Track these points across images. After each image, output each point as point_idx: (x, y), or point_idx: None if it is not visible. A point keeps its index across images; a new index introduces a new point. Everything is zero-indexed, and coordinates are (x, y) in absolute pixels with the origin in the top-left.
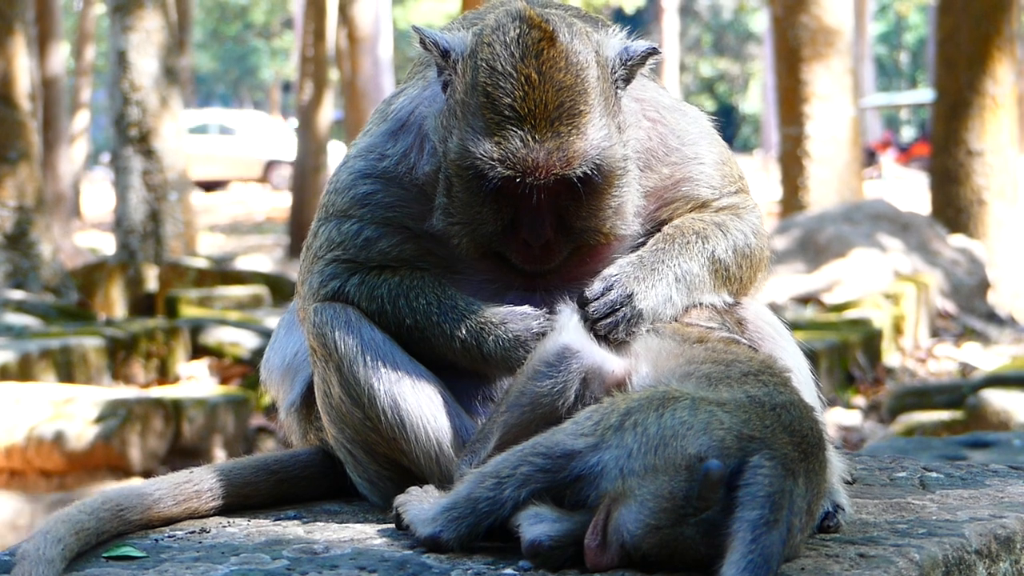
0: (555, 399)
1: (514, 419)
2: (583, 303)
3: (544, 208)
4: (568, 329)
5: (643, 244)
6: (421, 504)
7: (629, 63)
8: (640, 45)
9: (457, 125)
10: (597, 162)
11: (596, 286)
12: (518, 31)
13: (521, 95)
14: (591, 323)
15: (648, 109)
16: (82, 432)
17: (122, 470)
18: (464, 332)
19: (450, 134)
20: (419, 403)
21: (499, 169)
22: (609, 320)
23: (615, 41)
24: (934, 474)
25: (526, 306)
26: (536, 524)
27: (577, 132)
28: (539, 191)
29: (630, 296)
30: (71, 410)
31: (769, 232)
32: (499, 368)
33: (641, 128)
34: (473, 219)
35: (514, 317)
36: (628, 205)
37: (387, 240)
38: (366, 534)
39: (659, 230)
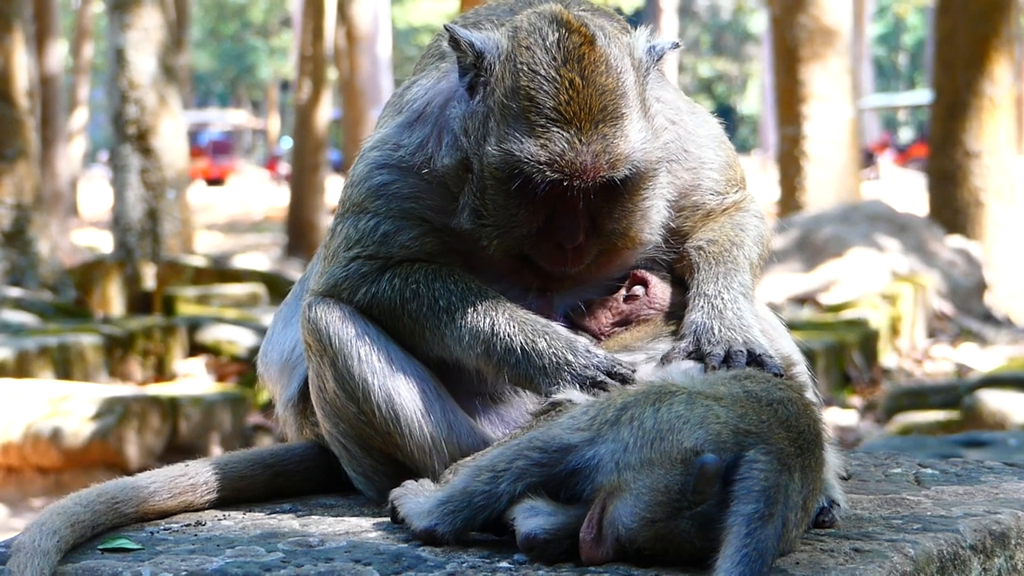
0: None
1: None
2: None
3: (580, 211)
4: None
5: (662, 252)
6: (416, 498)
7: (657, 61)
8: (665, 42)
9: (496, 129)
10: (638, 164)
11: (705, 345)
12: (557, 35)
13: (566, 99)
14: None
15: (668, 111)
16: (79, 429)
17: (119, 467)
18: (504, 324)
19: (485, 138)
20: (414, 398)
21: (547, 173)
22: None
23: (641, 41)
24: (929, 470)
25: (584, 338)
26: (531, 517)
27: (621, 134)
28: (583, 193)
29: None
30: (68, 407)
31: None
32: (519, 378)
33: (667, 131)
34: (507, 222)
35: (577, 346)
36: (654, 210)
37: (406, 233)
38: (361, 527)
39: (674, 237)
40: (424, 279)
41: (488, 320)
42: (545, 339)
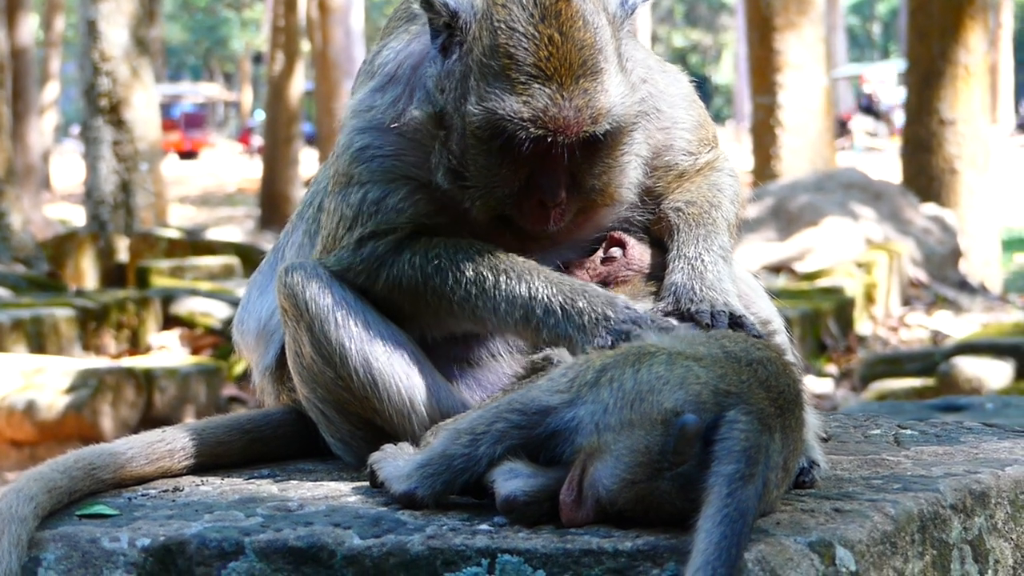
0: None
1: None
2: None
3: (561, 168)
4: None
5: (637, 212)
6: (395, 461)
7: (629, 15)
8: None
9: (475, 88)
10: (619, 118)
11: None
12: None
13: (545, 55)
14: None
15: (640, 69)
16: (53, 402)
17: (94, 440)
18: (543, 287)
19: (465, 97)
20: (391, 362)
21: (531, 129)
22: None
23: None
24: (909, 431)
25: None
26: (511, 479)
27: (602, 88)
28: (566, 149)
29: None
30: (42, 380)
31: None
32: (555, 337)
33: (640, 89)
34: (489, 181)
35: (616, 302)
36: (631, 166)
37: (395, 196)
38: (340, 492)
39: (648, 197)
40: (445, 253)
41: (524, 285)
42: (584, 298)
